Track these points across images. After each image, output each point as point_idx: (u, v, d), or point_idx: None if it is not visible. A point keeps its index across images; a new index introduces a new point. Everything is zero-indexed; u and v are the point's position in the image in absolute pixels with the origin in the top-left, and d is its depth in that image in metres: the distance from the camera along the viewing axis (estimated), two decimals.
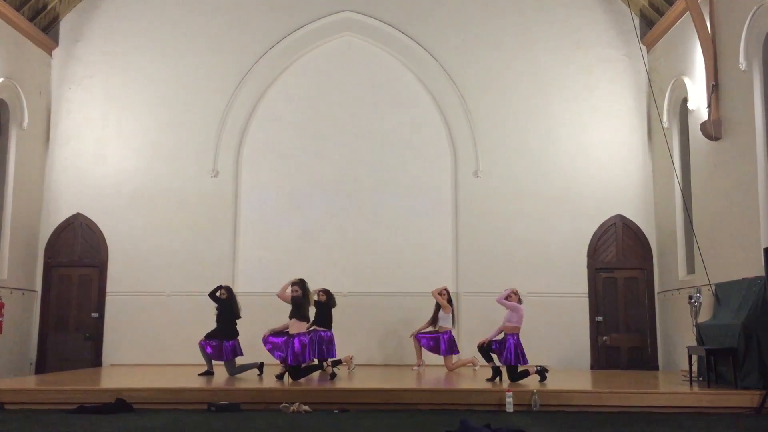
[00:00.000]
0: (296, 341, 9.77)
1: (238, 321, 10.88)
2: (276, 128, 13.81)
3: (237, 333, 10.79)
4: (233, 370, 10.55)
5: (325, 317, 10.55)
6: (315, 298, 10.50)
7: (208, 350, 10.65)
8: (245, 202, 13.67)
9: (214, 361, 10.72)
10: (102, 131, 13.72)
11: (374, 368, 12.19)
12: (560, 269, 13.12)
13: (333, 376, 9.81)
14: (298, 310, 10.00)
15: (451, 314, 11.49)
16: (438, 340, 11.43)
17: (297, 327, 9.92)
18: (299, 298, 9.99)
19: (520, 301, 9.87)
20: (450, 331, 11.46)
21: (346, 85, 13.86)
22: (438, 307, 11.55)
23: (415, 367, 11.64)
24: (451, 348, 11.44)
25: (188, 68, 13.82)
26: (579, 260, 13.27)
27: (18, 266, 12.79)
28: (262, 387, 8.91)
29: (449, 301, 11.57)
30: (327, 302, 10.65)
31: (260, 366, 10.70)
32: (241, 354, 10.76)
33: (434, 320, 11.57)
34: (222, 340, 10.60)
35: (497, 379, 9.66)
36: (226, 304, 10.79)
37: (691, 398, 8.38)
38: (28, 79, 13.13)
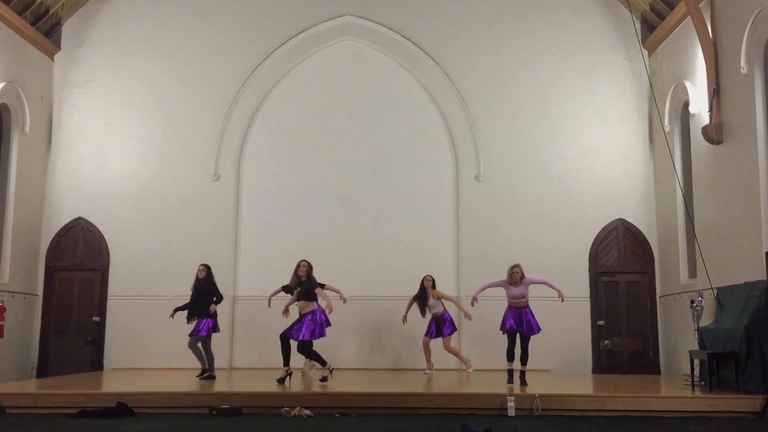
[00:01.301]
0: (316, 315, 9.80)
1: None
2: (277, 132, 13.83)
3: (215, 313, 10.81)
4: (208, 350, 10.61)
5: None
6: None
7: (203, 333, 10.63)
8: (246, 207, 13.68)
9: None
10: (104, 135, 13.74)
11: (375, 372, 12.18)
12: (561, 273, 13.04)
13: (324, 379, 9.75)
14: (308, 293, 9.96)
15: (440, 300, 11.48)
16: (440, 323, 11.40)
17: (310, 306, 9.91)
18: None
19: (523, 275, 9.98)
20: (446, 313, 11.49)
21: (347, 89, 13.88)
22: (424, 298, 11.44)
23: (427, 372, 11.52)
24: (451, 326, 11.48)
25: (190, 72, 13.84)
26: (580, 264, 13.26)
27: (19, 270, 12.80)
28: (263, 391, 8.90)
29: (434, 285, 11.58)
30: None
31: (213, 376, 10.61)
32: (219, 331, 10.90)
33: (424, 311, 11.51)
34: (201, 318, 10.60)
35: (513, 380, 9.61)
36: (207, 283, 10.79)
37: (693, 402, 8.37)
38: (30, 83, 13.16)
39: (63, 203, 13.57)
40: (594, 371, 12.92)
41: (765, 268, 8.98)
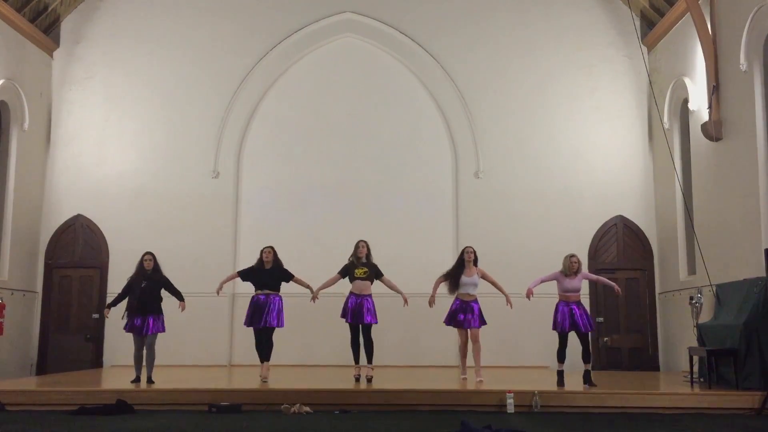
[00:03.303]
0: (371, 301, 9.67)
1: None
2: (277, 129, 13.84)
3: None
4: (151, 349, 9.52)
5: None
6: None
7: (137, 324, 9.43)
8: (246, 203, 13.69)
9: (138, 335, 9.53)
10: (103, 132, 13.75)
11: (376, 369, 12.16)
12: (560, 270, 13.06)
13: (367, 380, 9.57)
14: (374, 276, 9.71)
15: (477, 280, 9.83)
16: (468, 310, 9.70)
17: (369, 289, 9.71)
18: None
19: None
20: (477, 299, 9.83)
21: (346, 86, 13.88)
22: (460, 274, 9.78)
23: (466, 375, 10.13)
24: (482, 315, 9.81)
25: (189, 69, 13.84)
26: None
27: (19, 267, 12.80)
28: (263, 388, 8.90)
29: (476, 260, 9.94)
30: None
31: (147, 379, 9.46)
32: (164, 330, 9.71)
33: (457, 286, 9.79)
34: (149, 315, 9.47)
35: (563, 382, 9.15)
36: (157, 274, 9.71)
37: (692, 399, 8.37)
38: (29, 81, 13.14)
39: (62, 200, 13.57)
40: (593, 368, 12.89)
41: (764, 264, 8.97)
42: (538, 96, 13.68)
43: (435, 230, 13.49)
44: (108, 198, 13.52)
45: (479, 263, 10.00)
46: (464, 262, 9.88)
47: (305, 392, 8.55)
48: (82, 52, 13.92)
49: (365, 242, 9.82)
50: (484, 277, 9.88)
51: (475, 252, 9.99)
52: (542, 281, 9.53)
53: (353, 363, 9.71)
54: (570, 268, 9.42)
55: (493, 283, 9.87)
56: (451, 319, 9.78)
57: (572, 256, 9.51)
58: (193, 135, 13.70)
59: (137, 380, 9.39)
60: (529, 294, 9.38)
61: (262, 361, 9.70)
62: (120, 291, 9.81)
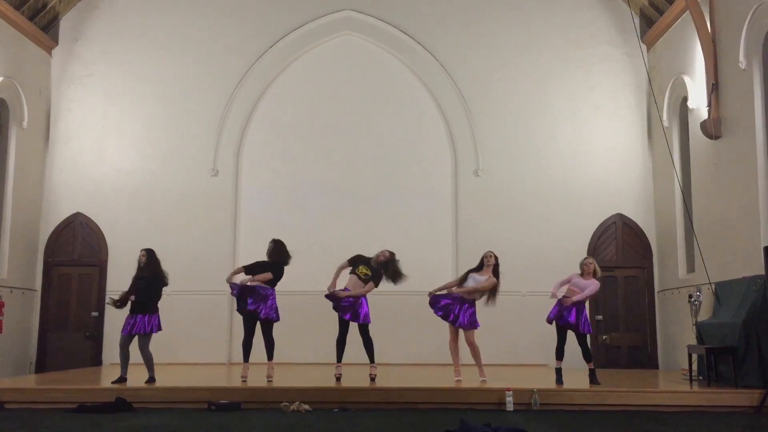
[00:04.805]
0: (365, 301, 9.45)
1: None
2: (276, 127, 13.84)
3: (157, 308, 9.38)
4: (147, 351, 9.27)
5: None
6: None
7: (125, 332, 9.19)
8: (245, 202, 13.68)
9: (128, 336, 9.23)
10: (102, 130, 13.74)
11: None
12: (560, 268, 13.03)
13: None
14: (373, 279, 9.47)
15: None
16: (466, 309, 9.34)
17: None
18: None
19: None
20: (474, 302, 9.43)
21: (346, 84, 13.88)
22: (477, 269, 9.63)
23: (458, 378, 9.68)
24: (474, 322, 9.38)
25: (188, 67, 13.83)
26: (578, 259, 13.12)
27: (18, 265, 12.80)
28: (262, 386, 8.90)
29: (495, 268, 9.54)
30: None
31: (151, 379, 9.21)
32: (161, 329, 9.43)
33: (462, 280, 9.64)
34: (145, 314, 9.16)
35: (562, 379, 9.10)
36: (153, 270, 9.38)
37: (691, 397, 8.39)
38: (28, 79, 13.13)
39: (61, 198, 13.57)
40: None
41: (763, 262, 8.98)
42: (537, 94, 13.68)
43: (434, 228, 13.49)
44: (107, 196, 13.52)
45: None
46: (483, 265, 9.61)
47: (304, 390, 8.55)
48: (81, 50, 13.91)
49: (390, 253, 9.67)
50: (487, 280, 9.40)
51: (496, 257, 9.62)
52: (561, 284, 9.52)
53: (335, 361, 9.46)
54: (583, 269, 9.50)
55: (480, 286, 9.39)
56: (441, 310, 9.42)
57: (586, 257, 9.70)
58: (192, 133, 13.70)
59: (119, 380, 9.02)
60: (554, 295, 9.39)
61: (245, 359, 9.38)
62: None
